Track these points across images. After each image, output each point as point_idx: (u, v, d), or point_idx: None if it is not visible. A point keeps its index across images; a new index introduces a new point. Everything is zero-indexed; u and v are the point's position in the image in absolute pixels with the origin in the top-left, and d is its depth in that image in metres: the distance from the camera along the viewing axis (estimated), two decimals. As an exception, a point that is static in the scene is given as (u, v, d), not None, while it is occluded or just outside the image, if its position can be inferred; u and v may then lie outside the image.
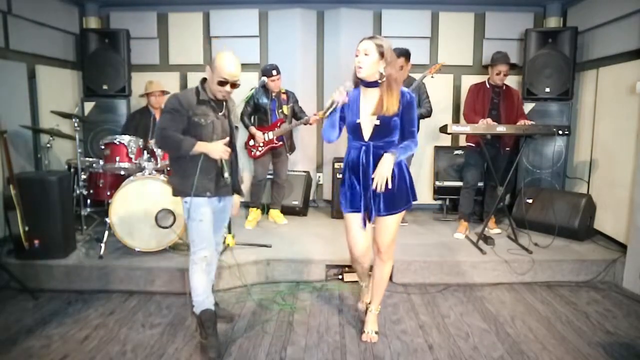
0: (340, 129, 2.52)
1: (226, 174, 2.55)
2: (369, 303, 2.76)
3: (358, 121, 2.44)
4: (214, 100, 2.52)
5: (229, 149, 2.51)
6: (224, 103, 2.60)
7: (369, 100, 2.44)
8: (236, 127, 2.76)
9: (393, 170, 2.41)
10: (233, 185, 2.65)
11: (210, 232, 2.56)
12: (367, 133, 2.44)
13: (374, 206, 2.47)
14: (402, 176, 2.50)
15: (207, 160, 2.47)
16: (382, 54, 2.34)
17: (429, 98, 4.27)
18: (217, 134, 2.53)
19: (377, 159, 2.42)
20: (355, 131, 2.46)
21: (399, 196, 2.49)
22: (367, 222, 2.52)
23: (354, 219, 2.52)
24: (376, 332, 2.69)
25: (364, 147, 2.44)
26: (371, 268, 2.78)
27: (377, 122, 2.40)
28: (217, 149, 2.46)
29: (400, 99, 2.41)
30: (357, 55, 2.36)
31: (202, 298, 2.54)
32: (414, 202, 2.56)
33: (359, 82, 2.45)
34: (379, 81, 2.38)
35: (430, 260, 3.55)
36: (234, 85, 2.47)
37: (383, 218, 2.52)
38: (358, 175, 2.47)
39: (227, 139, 2.52)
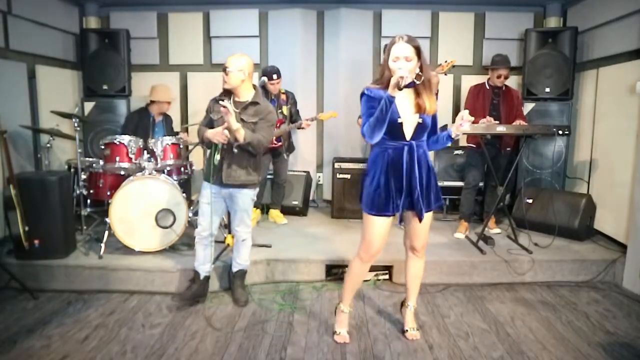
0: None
1: (217, 156, 2.89)
2: (406, 300, 2.77)
3: (400, 120, 2.34)
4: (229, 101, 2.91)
5: (225, 132, 2.80)
6: (248, 105, 2.93)
7: (405, 100, 2.36)
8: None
9: (428, 167, 2.46)
10: (231, 175, 2.91)
11: (207, 212, 3.00)
12: (408, 132, 2.38)
13: (423, 203, 2.44)
14: (434, 174, 2.53)
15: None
16: (419, 56, 2.28)
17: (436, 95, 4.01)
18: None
19: (419, 158, 2.39)
20: (396, 131, 2.36)
21: (436, 192, 2.53)
22: (402, 220, 2.58)
23: (382, 222, 2.45)
24: (417, 329, 2.74)
25: (406, 147, 2.38)
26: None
27: (420, 121, 2.36)
28: (214, 133, 2.84)
29: None
30: (394, 61, 2.26)
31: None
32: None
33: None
34: (416, 81, 2.26)
35: (430, 260, 3.51)
36: (225, 71, 2.87)
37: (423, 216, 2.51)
38: (400, 176, 2.39)
39: (225, 124, 2.77)
